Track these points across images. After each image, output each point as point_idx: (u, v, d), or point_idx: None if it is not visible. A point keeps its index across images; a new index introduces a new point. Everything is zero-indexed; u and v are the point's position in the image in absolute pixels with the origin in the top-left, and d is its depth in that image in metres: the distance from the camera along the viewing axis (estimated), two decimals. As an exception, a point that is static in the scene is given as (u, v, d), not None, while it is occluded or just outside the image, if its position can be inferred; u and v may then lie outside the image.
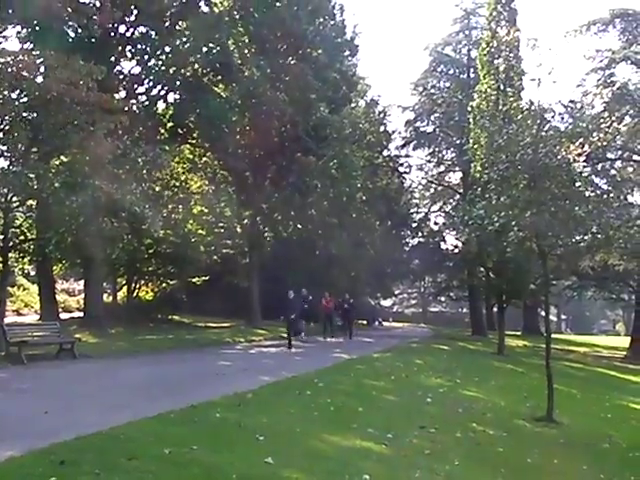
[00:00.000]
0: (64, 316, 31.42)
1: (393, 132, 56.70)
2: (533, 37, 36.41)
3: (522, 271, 26.66)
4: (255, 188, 35.37)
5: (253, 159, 34.22)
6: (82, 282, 34.95)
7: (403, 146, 57.54)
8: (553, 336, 17.99)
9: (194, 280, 39.94)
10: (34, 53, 18.83)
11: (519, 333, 51.18)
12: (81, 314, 31.40)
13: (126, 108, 21.14)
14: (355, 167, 39.89)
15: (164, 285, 40.66)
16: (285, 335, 24.23)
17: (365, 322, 56.02)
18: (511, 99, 29.54)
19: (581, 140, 12.67)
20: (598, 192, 15.13)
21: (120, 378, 14.22)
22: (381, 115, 54.37)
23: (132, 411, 9.18)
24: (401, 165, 58.49)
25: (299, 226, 39.19)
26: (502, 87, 30.63)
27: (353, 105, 45.74)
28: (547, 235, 13.19)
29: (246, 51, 34.14)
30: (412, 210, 60.45)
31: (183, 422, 8.81)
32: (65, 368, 16.06)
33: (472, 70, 48.98)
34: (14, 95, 17.95)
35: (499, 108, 29.30)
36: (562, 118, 15.67)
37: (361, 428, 9.64)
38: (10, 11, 17.60)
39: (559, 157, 12.55)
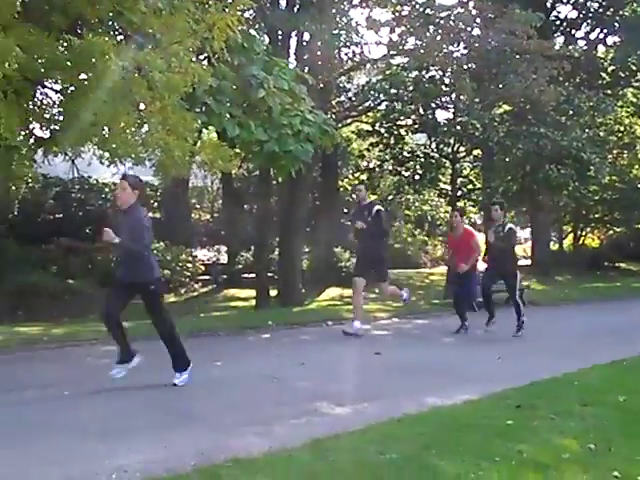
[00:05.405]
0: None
1: None
2: None
3: None
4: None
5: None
6: (528, 230, 34.57)
7: None
8: None
9: (641, 227, 36.54)
10: (470, 6, 18.53)
11: None
12: (528, 262, 30.82)
13: (566, 54, 19.67)
14: None
15: (610, 232, 38.14)
16: None
17: None
18: None
19: None
20: None
21: (568, 326, 13.19)
22: None
23: (582, 358, 8.43)
24: None
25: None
26: None
27: None
28: None
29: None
30: None
31: (638, 369, 7.97)
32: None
33: None
34: (453, 47, 17.75)
35: None
36: None
37: None
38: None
39: None
